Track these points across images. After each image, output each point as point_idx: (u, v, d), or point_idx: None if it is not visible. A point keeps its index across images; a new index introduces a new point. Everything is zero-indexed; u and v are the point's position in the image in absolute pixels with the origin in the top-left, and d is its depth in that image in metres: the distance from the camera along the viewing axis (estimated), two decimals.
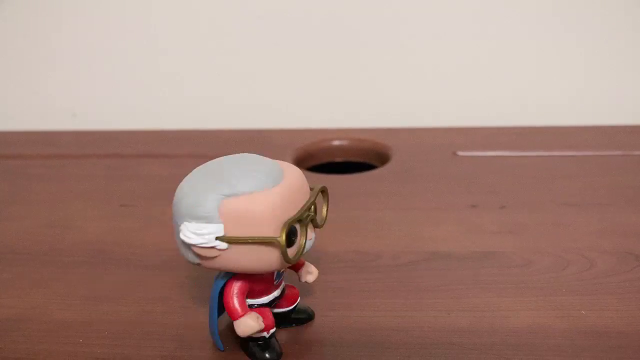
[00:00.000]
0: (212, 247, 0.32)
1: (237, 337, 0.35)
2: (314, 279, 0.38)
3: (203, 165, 0.35)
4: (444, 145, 0.63)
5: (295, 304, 0.38)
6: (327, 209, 0.37)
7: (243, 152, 0.36)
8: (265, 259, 0.32)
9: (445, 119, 0.70)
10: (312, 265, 0.38)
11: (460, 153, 0.61)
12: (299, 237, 0.33)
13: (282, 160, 0.33)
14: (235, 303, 0.34)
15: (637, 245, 0.45)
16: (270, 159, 0.35)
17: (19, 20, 0.72)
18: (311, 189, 0.35)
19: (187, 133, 0.69)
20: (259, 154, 0.35)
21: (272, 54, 0.71)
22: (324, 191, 0.36)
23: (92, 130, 0.71)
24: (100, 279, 0.43)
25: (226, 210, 0.31)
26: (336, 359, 0.35)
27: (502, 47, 0.69)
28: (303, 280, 0.38)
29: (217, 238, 0.32)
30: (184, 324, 0.39)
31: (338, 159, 0.65)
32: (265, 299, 0.36)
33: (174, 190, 0.36)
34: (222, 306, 0.35)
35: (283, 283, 0.37)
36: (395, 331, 0.37)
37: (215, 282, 0.35)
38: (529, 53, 0.69)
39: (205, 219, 0.32)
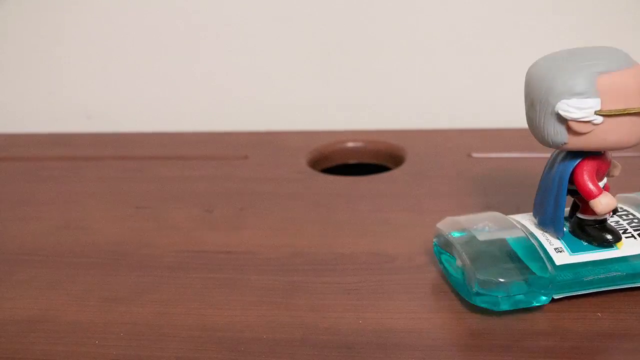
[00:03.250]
0: (589, 122, 0.34)
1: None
2: (618, 172, 0.40)
3: (552, 53, 0.38)
4: (458, 146, 0.62)
5: None
6: None
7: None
8: (636, 130, 0.35)
9: (459, 121, 0.70)
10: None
11: (475, 155, 0.61)
12: None
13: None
14: (591, 184, 0.36)
15: None
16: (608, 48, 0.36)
17: (34, 21, 0.72)
18: None
19: (202, 135, 0.69)
20: None
21: (286, 56, 0.71)
22: None
23: (107, 132, 0.71)
24: (115, 280, 0.43)
25: (601, 86, 0.34)
26: None
27: (517, 49, 0.68)
28: (611, 174, 0.39)
29: (595, 112, 0.34)
30: (200, 325, 0.39)
31: (352, 161, 0.65)
32: (603, 182, 0.37)
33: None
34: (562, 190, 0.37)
35: None
36: (410, 333, 0.37)
37: (559, 166, 0.38)
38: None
39: (584, 94, 0.34)
